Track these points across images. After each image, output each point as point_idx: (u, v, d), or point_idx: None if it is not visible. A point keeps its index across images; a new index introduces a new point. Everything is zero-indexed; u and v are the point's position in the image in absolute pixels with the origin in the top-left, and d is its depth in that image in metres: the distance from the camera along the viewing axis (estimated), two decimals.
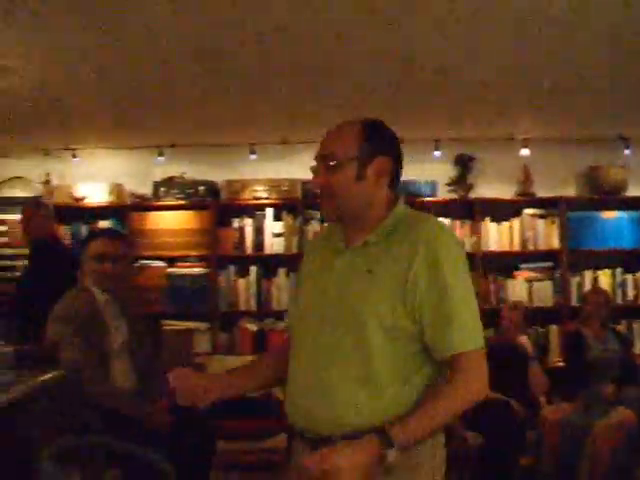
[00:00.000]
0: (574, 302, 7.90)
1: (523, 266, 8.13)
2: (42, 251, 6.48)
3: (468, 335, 2.40)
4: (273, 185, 8.06)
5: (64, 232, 8.37)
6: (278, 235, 8.03)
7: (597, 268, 8.08)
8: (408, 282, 2.39)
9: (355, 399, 2.41)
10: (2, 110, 5.77)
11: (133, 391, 4.58)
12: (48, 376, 4.09)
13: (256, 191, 8.06)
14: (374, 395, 2.41)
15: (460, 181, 8.22)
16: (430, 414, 2.35)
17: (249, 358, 7.33)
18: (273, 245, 8.03)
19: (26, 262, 7.02)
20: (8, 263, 8.09)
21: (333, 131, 2.61)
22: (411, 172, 8.04)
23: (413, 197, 7.95)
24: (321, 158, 2.57)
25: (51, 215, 6.78)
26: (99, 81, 5.62)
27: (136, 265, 7.75)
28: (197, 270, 8.06)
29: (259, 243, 8.04)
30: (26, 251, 8.07)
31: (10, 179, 8.78)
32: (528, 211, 8.10)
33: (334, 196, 2.54)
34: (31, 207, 6.70)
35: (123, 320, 4.67)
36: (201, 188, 8.11)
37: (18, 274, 7.71)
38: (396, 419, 2.32)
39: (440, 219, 7.48)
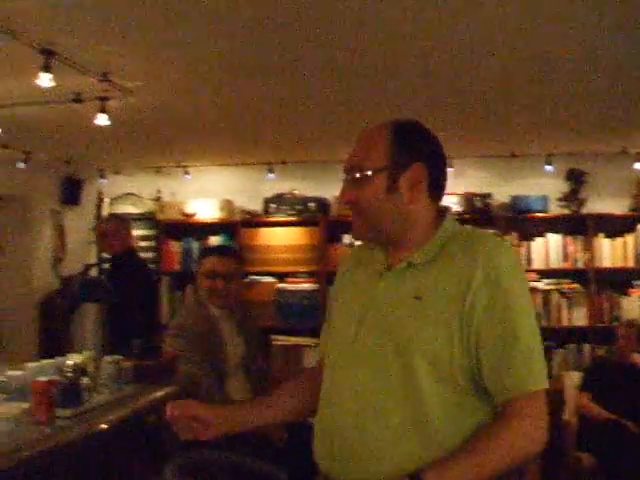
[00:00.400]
0: None
1: (638, 283, 7.93)
2: (123, 266, 6.53)
3: (533, 373, 2.04)
4: None
5: (175, 248, 8.54)
6: None
7: None
8: (465, 307, 2.04)
9: (399, 446, 2.06)
10: (118, 129, 5.89)
11: None
12: (166, 390, 4.16)
13: None
14: (421, 442, 2.05)
15: (572, 196, 8.09)
16: (476, 461, 1.99)
17: None
18: None
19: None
20: None
21: (361, 137, 2.25)
22: (522, 187, 8.02)
23: (524, 212, 7.88)
24: (348, 170, 2.22)
25: (130, 230, 6.85)
26: (212, 101, 5.69)
27: (246, 281, 7.82)
28: (307, 286, 8.13)
29: None
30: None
31: (122, 196, 8.98)
32: None
33: (364, 213, 2.20)
34: (115, 222, 6.77)
35: (240, 336, 4.71)
36: (311, 204, 8.18)
37: None
38: (434, 463, 1.98)
39: (552, 234, 7.42)
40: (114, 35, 4.15)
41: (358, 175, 2.17)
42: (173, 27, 4.05)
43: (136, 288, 6.19)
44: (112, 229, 6.57)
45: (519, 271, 2.15)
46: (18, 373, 3.73)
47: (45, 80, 4.23)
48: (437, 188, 2.23)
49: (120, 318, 5.97)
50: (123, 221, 6.77)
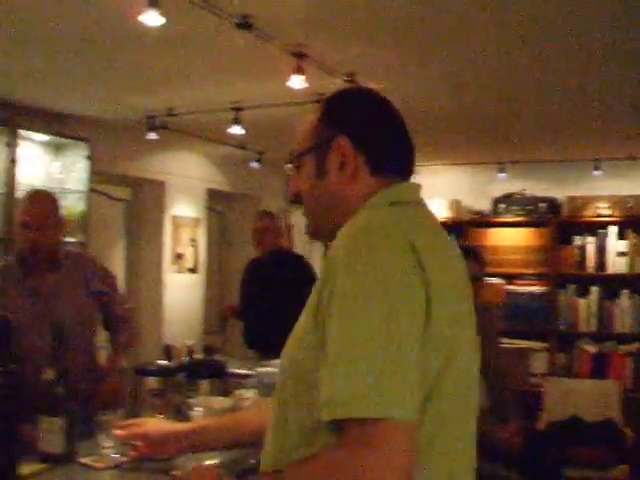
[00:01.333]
0: None
1: None
2: (281, 262, 6.54)
3: (341, 395, 1.43)
4: (617, 202, 7.81)
5: None
6: (622, 254, 7.75)
7: None
8: (318, 306, 1.58)
9: (269, 448, 1.72)
10: None
11: (487, 410, 4.56)
12: None
13: (599, 208, 7.85)
14: (280, 449, 1.67)
15: None
16: None
17: (587, 382, 7.14)
18: (616, 264, 7.76)
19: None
20: None
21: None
22: None
23: None
24: (288, 160, 1.89)
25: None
26: (450, 101, 5.67)
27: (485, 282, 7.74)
28: (536, 288, 7.99)
29: (601, 262, 7.81)
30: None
31: None
32: None
33: (306, 207, 1.84)
34: (274, 218, 6.75)
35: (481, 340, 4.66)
36: (541, 205, 8.04)
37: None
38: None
39: None
40: (363, 36, 4.20)
41: (293, 163, 1.85)
42: (421, 28, 4.04)
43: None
44: (272, 225, 6.61)
45: (367, 252, 1.53)
46: (268, 369, 3.81)
47: (297, 82, 4.31)
48: (380, 162, 1.77)
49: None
50: (278, 218, 6.79)
